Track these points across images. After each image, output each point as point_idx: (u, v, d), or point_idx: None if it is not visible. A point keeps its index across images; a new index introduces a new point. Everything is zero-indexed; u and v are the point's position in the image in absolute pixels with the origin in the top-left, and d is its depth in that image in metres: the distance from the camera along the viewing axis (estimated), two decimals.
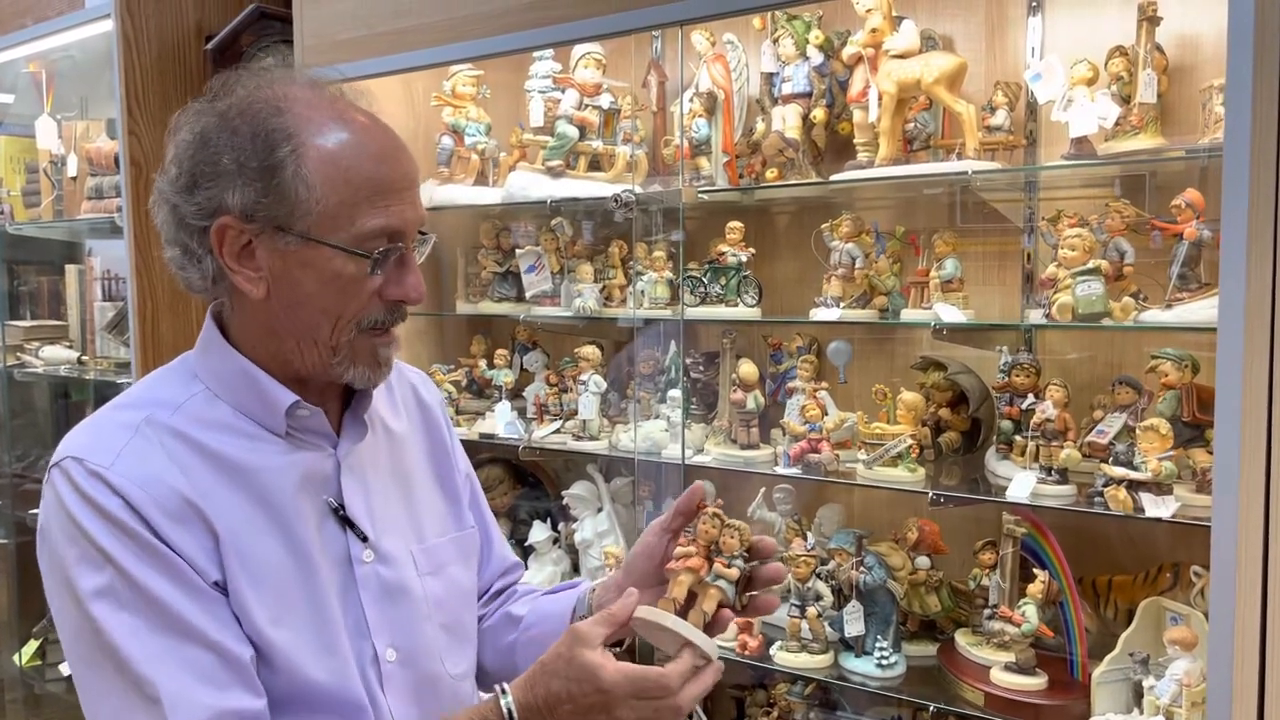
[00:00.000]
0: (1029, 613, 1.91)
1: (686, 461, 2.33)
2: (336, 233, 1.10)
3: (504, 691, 1.10)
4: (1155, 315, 1.84)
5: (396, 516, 1.26)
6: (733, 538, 1.17)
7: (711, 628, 1.14)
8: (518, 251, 2.64)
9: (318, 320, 1.14)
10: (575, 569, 2.64)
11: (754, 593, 1.20)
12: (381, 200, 1.11)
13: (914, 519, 2.18)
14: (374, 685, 1.18)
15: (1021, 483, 1.91)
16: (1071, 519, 2.03)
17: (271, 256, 1.12)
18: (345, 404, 1.25)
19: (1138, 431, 1.79)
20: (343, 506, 1.20)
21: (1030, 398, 2.03)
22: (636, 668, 1.05)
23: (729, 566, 1.15)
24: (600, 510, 2.58)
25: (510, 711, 1.08)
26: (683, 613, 1.13)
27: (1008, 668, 1.94)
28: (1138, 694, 1.83)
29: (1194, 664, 1.74)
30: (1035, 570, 1.94)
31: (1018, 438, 2.05)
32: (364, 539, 1.20)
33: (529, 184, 2.52)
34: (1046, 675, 1.92)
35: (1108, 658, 1.86)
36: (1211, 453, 1.75)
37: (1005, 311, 2.23)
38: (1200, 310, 1.76)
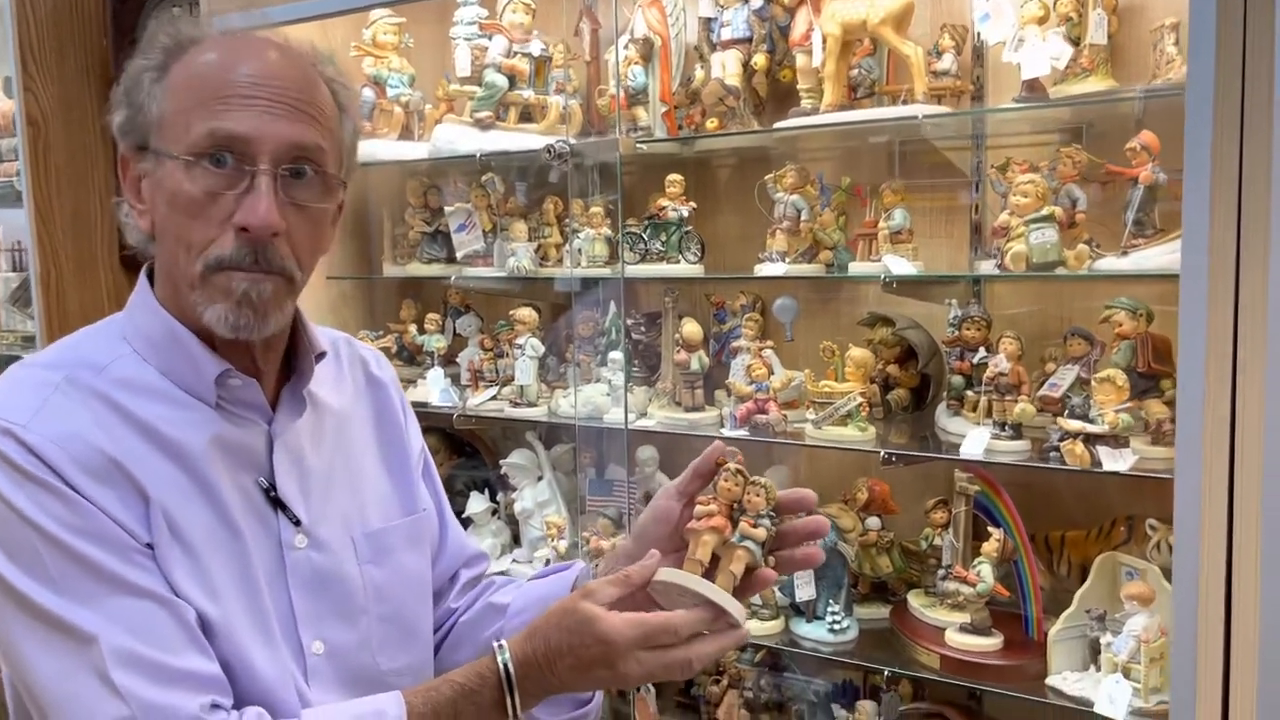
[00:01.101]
0: (984, 572, 1.86)
1: (629, 426, 2.24)
2: (176, 142, 1.01)
3: (501, 646, 1.03)
4: (1111, 263, 1.78)
5: (337, 500, 1.16)
6: (758, 495, 1.06)
7: (742, 592, 1.05)
8: (447, 210, 2.51)
9: (175, 252, 1.04)
10: (516, 540, 2.54)
11: (788, 550, 1.09)
12: (221, 103, 1.00)
13: (864, 479, 2.12)
14: (299, 678, 1.07)
15: (975, 439, 1.85)
16: (1022, 475, 1.99)
17: (147, 184, 1.05)
18: (287, 378, 1.14)
19: (1093, 384, 1.73)
20: (274, 487, 1.09)
21: (981, 351, 1.97)
22: (639, 615, 0.98)
23: (755, 526, 1.05)
24: (540, 479, 2.48)
25: (507, 666, 1.01)
26: (708, 576, 1.04)
27: (962, 629, 1.89)
28: (1095, 651, 1.80)
29: (1152, 619, 1.70)
30: (989, 529, 1.89)
31: (969, 393, 1.99)
32: (296, 523, 1.10)
33: (457, 137, 2.38)
34: (1002, 635, 1.88)
35: (1064, 615, 1.82)
36: (1167, 404, 1.72)
37: (953, 265, 2.16)
38: (1157, 256, 1.71)
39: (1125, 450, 1.69)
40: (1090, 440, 1.71)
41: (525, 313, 2.37)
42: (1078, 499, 2.03)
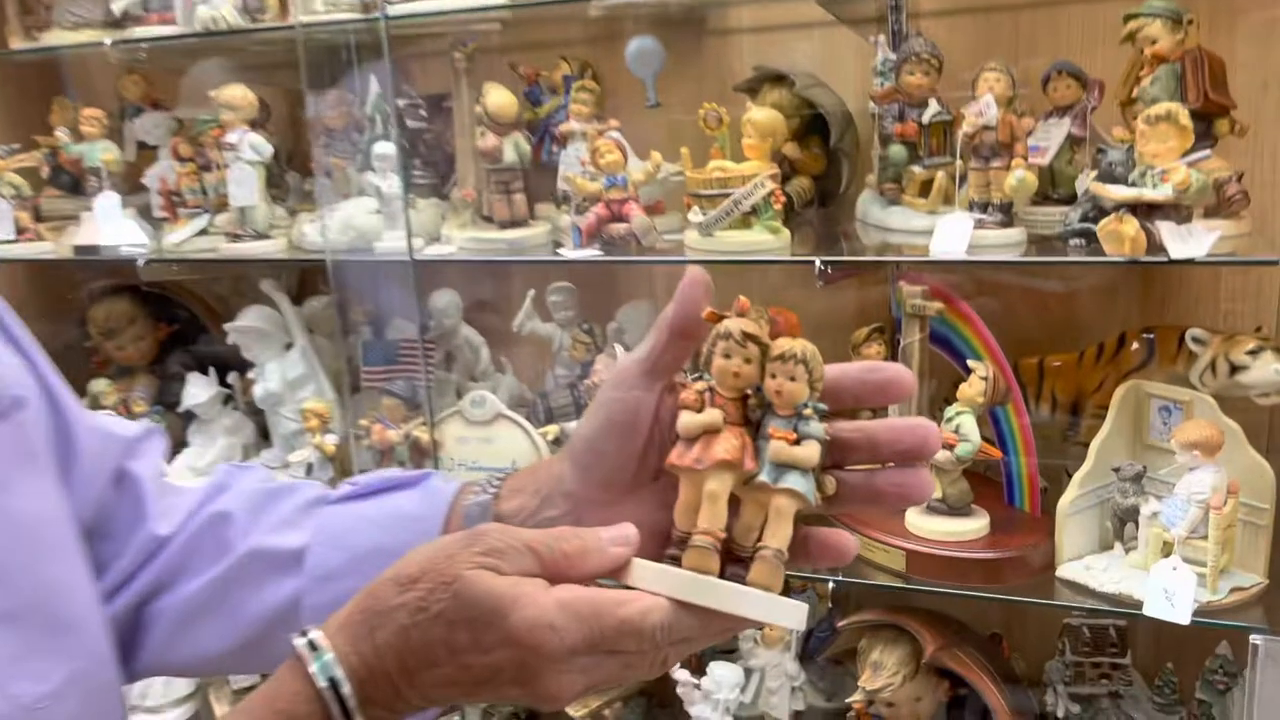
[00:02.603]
0: (965, 426, 1.26)
1: (416, 256, 1.49)
2: None
3: (314, 646, 0.53)
4: None
5: None
6: (795, 377, 0.53)
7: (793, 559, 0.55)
8: None
9: None
10: (265, 437, 1.77)
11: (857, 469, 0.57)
12: None
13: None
14: None
15: (952, 231, 1.22)
16: (988, 283, 1.40)
17: None
18: None
19: (1142, 127, 1.12)
20: None
21: (933, 106, 1.33)
22: (583, 596, 0.52)
23: (799, 438, 0.54)
24: (290, 347, 1.70)
25: (335, 683, 0.52)
26: (728, 556, 0.55)
27: (932, 509, 1.30)
28: (1121, 525, 1.26)
29: (1219, 474, 1.16)
30: (971, 363, 1.29)
31: (915, 168, 1.36)
32: None
33: None
34: (988, 514, 1.31)
35: (1078, 476, 1.26)
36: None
37: None
38: None
39: (1196, 225, 1.10)
40: (1142, 214, 1.11)
41: (236, 94, 1.53)
42: (1051, 310, 1.47)
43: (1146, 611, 1.15)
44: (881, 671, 1.36)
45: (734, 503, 0.54)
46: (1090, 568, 1.23)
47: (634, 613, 0.51)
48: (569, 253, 1.38)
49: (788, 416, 0.53)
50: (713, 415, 0.54)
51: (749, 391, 0.55)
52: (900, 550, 1.28)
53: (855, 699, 1.36)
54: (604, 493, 0.62)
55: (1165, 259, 1.10)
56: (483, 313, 1.78)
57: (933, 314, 1.32)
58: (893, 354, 1.40)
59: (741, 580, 0.53)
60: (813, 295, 1.48)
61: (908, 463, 0.56)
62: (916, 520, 1.30)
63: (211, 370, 1.77)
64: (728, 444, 0.53)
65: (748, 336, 0.54)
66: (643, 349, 0.60)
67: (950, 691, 1.39)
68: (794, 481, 0.53)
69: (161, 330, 1.89)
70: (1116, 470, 1.23)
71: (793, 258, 1.29)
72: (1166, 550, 1.19)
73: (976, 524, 1.29)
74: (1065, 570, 1.24)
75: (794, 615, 0.54)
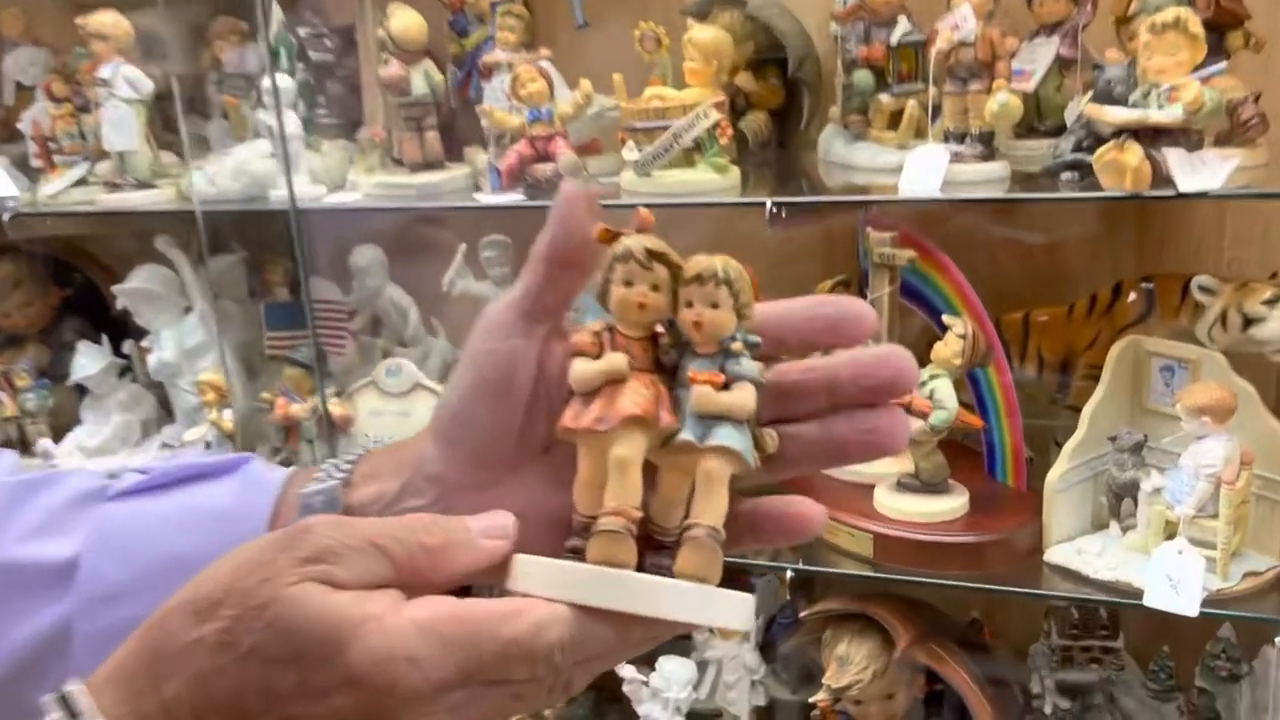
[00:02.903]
0: (940, 391, 1.10)
1: (320, 203, 1.31)
2: None
3: (70, 708, 0.37)
4: None
5: None
6: (718, 303, 0.41)
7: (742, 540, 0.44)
8: None
9: None
10: (169, 413, 1.59)
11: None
12: None
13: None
14: None
15: (924, 165, 1.05)
16: (967, 225, 1.23)
17: None
18: None
19: (1145, 38, 0.95)
20: None
21: (902, 24, 1.16)
22: (452, 610, 0.39)
23: (728, 381, 0.41)
24: (189, 311, 1.52)
25: None
26: (648, 542, 0.42)
27: (904, 486, 1.15)
28: (1116, 501, 1.10)
29: (1231, 443, 1.01)
30: (947, 319, 1.12)
31: (883, 97, 1.19)
32: None
33: None
34: (966, 490, 1.15)
35: (1069, 447, 1.10)
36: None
37: None
38: None
39: (1209, 153, 0.94)
40: (1146, 140, 0.94)
41: (107, 21, 1.33)
42: (1051, 257, 1.30)
43: (1148, 602, 1.00)
44: (849, 667, 1.21)
45: (650, 472, 0.43)
46: (1082, 551, 1.08)
47: (523, 630, 0.38)
48: (486, 197, 1.20)
49: (711, 355, 0.42)
50: (615, 361, 0.42)
51: (659, 328, 0.43)
52: (867, 533, 1.13)
53: (819, 698, 1.21)
54: (479, 473, 0.48)
55: (1173, 193, 0.93)
56: (401, 267, 1.61)
57: (903, 264, 1.16)
58: None
59: (666, 572, 0.41)
60: (769, 246, 1.31)
61: (880, 402, 0.44)
62: (886, 499, 1.14)
63: (105, 339, 1.58)
64: (636, 395, 0.41)
65: (653, 255, 0.42)
66: (517, 287, 0.46)
67: (926, 686, 1.25)
68: (726, 437, 0.40)
69: (55, 294, 1.70)
70: (1113, 440, 1.08)
71: (741, 199, 1.11)
72: (1170, 531, 1.03)
73: (954, 502, 1.13)
74: (1054, 554, 1.09)
75: (737, 612, 0.42)
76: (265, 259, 1.60)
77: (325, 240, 1.66)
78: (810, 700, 1.24)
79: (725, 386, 0.40)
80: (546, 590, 0.40)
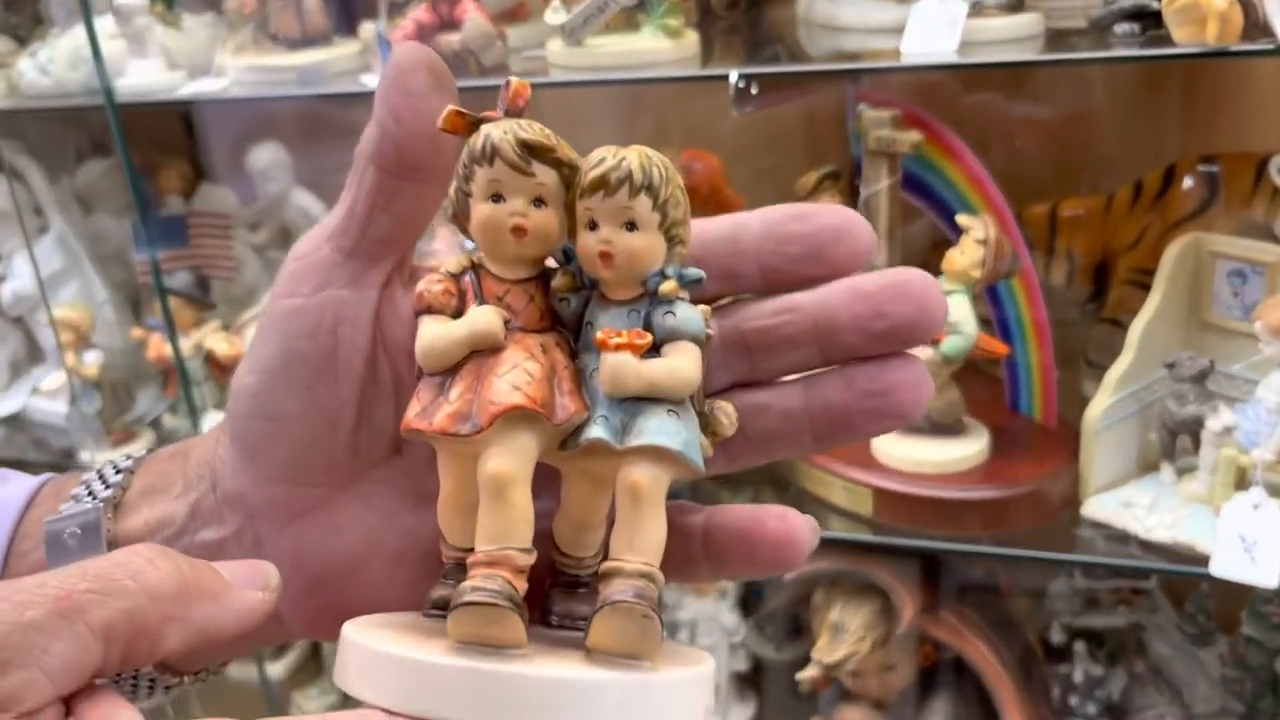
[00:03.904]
0: (956, 311, 0.87)
1: (173, 94, 1.06)
2: None
3: None
4: None
5: None
6: (636, 221, 0.28)
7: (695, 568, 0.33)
8: None
9: None
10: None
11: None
12: None
13: (670, 156, 1.06)
14: None
15: (935, 19, 0.80)
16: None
17: None
18: None
19: None
20: None
21: None
22: None
23: (656, 341, 0.28)
24: (44, 232, 1.27)
25: None
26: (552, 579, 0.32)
27: (909, 428, 0.93)
28: (1170, 442, 0.89)
29: None
30: (962, 219, 0.89)
31: None
32: None
33: None
34: (986, 431, 0.94)
35: (1114, 375, 0.88)
36: None
37: None
38: None
39: None
40: None
41: None
42: (1083, 136, 1.07)
43: (1215, 570, 0.80)
44: (843, 637, 1.01)
45: (549, 474, 0.30)
46: (1130, 504, 0.87)
47: None
48: (375, 79, 0.95)
49: (629, 301, 0.29)
50: (482, 319, 0.29)
51: (552, 261, 0.30)
52: (866, 488, 0.92)
53: (807, 674, 1.02)
54: (296, 490, 0.33)
55: (1271, 45, 0.70)
56: (322, 171, 1.36)
57: (907, 149, 0.92)
58: (852, 206, 1.01)
59: (582, 626, 0.29)
60: (741, 133, 1.07)
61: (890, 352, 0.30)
62: (888, 446, 0.93)
63: None
64: (517, 374, 0.28)
65: (532, 151, 0.28)
66: (335, 212, 0.32)
67: (933, 655, 1.06)
68: (657, 431, 0.28)
69: None
70: (1170, 367, 0.86)
71: (699, 72, 0.87)
72: (1242, 480, 0.83)
73: (971, 447, 0.92)
74: (1095, 507, 0.88)
75: (683, 709, 0.28)
76: (158, 162, 1.36)
77: (221, 138, 1.42)
78: (798, 676, 1.05)
79: (654, 349, 0.28)
80: (387, 695, 0.26)
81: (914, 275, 0.30)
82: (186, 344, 1.13)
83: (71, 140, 1.32)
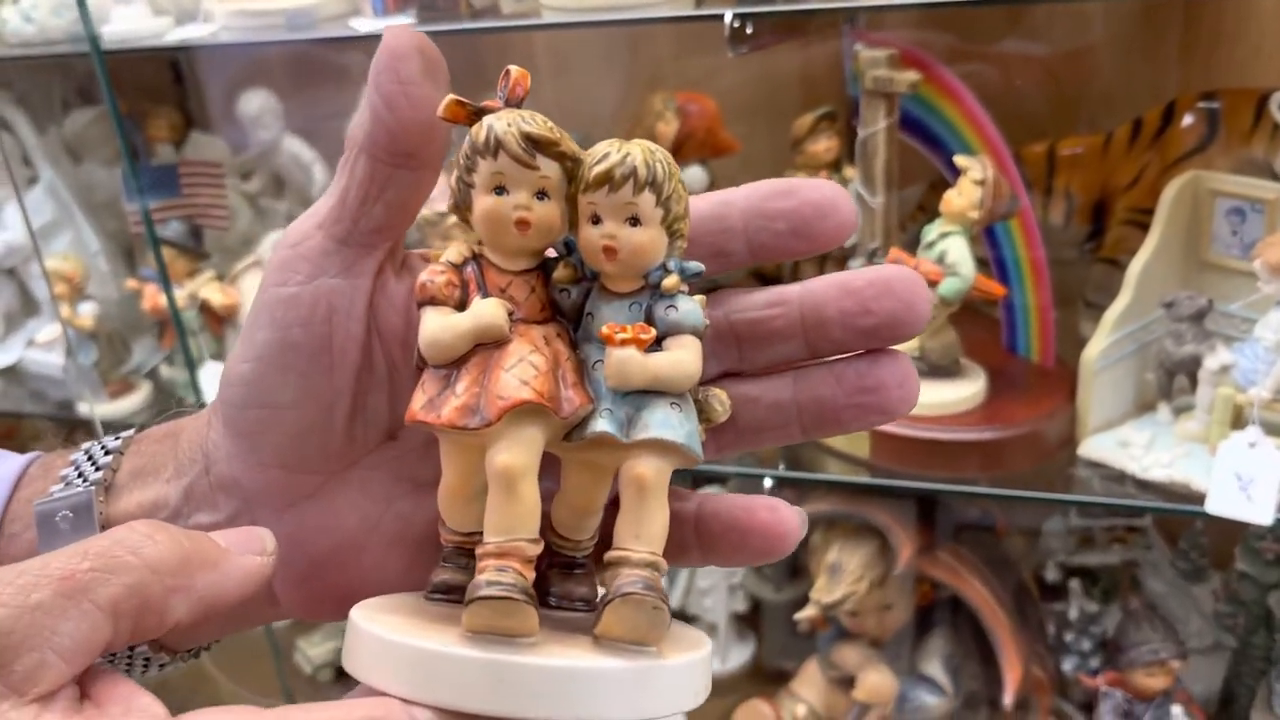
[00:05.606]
0: (954, 251, 0.87)
1: (160, 40, 1.04)
2: None
3: None
4: None
5: None
6: (640, 216, 0.29)
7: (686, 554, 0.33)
8: None
9: None
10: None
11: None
12: None
13: (664, 97, 1.05)
14: None
15: None
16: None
17: None
18: None
19: None
20: None
21: None
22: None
23: (660, 334, 0.29)
24: (34, 182, 1.26)
25: None
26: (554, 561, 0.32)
27: None
28: (1166, 382, 0.90)
29: None
30: (960, 159, 0.88)
31: None
32: None
33: None
34: (983, 372, 0.94)
35: (1112, 315, 0.88)
36: None
37: None
38: None
39: None
40: None
41: None
42: (1080, 72, 1.05)
43: (1210, 508, 0.81)
44: (841, 576, 1.02)
45: (552, 463, 0.30)
46: (1127, 444, 0.88)
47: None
48: (365, 23, 0.93)
49: (631, 295, 0.30)
50: (486, 311, 0.29)
51: (555, 250, 0.31)
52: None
53: (805, 614, 1.04)
54: (290, 477, 0.33)
55: None
56: (315, 117, 1.35)
57: (904, 89, 0.91)
58: (849, 148, 1.00)
59: (581, 608, 0.31)
60: (736, 75, 1.05)
61: (878, 347, 0.32)
62: None
63: None
64: (524, 368, 0.28)
65: (536, 144, 0.28)
66: (327, 198, 0.32)
67: (930, 594, 1.07)
68: (662, 424, 0.28)
69: None
70: (1168, 306, 0.86)
71: (691, 11, 0.86)
72: (1238, 419, 0.83)
73: (969, 389, 0.92)
74: (1091, 447, 0.89)
75: (687, 691, 0.29)
76: (147, 110, 1.35)
77: (210, 85, 1.41)
78: (797, 616, 1.07)
79: (656, 344, 0.29)
80: (402, 684, 0.27)
81: (900, 273, 0.31)
82: (181, 294, 1.13)
83: (58, 89, 1.30)
